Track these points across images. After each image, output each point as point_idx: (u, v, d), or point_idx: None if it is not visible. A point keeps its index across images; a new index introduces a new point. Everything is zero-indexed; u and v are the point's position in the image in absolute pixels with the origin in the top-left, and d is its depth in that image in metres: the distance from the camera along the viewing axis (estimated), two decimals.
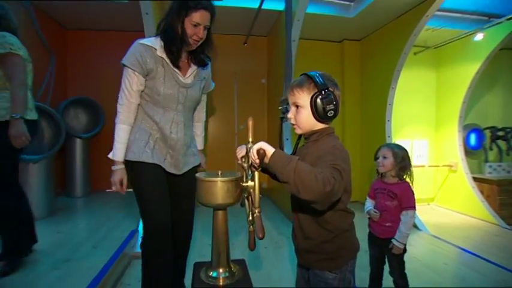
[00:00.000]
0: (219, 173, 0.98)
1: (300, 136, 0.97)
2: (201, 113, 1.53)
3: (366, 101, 3.86)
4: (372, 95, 3.67)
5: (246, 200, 0.89)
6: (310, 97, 0.84)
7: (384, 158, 1.47)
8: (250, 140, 0.84)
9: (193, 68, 1.30)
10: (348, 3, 3.17)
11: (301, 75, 0.89)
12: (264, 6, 2.92)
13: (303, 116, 0.87)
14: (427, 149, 4.16)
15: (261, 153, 0.73)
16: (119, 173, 1.23)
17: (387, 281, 1.53)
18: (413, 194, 1.44)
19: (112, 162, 1.24)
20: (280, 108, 2.34)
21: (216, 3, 1.24)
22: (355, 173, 3.60)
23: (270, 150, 0.73)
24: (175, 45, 1.19)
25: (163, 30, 1.21)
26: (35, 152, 2.46)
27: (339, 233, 0.87)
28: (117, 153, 1.22)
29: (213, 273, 1.01)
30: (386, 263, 1.51)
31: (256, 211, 0.80)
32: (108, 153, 1.25)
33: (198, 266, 1.11)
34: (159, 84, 1.21)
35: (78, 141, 3.40)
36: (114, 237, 2.18)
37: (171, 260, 1.26)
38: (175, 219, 1.32)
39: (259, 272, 1.85)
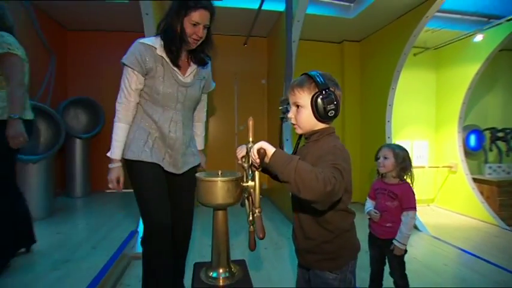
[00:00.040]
0: (219, 173, 0.98)
1: (300, 136, 0.96)
2: (201, 113, 1.52)
3: (365, 102, 3.86)
4: (372, 96, 3.67)
5: (246, 200, 0.89)
6: (310, 97, 0.83)
7: (385, 158, 1.47)
8: (251, 140, 0.84)
9: (193, 67, 1.30)
10: (347, 4, 3.17)
11: (302, 74, 0.88)
12: (264, 7, 2.92)
13: (303, 115, 0.86)
14: (427, 150, 4.16)
15: (262, 153, 0.73)
16: (116, 171, 1.24)
17: (387, 281, 1.53)
18: (414, 194, 1.44)
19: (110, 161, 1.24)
20: (280, 108, 2.34)
21: (216, 3, 1.24)
22: (355, 173, 3.60)
23: (270, 149, 0.73)
24: (174, 45, 1.20)
25: (163, 30, 1.21)
26: (30, 152, 2.46)
27: (340, 233, 0.86)
28: (115, 151, 1.22)
29: (213, 274, 1.01)
30: (387, 263, 1.51)
31: (257, 211, 0.80)
32: (107, 153, 1.25)
33: (198, 266, 1.11)
34: (158, 83, 1.21)
35: (78, 142, 3.40)
36: (113, 237, 2.17)
37: (171, 259, 1.26)
38: (175, 219, 1.32)
39: (260, 273, 1.84)
